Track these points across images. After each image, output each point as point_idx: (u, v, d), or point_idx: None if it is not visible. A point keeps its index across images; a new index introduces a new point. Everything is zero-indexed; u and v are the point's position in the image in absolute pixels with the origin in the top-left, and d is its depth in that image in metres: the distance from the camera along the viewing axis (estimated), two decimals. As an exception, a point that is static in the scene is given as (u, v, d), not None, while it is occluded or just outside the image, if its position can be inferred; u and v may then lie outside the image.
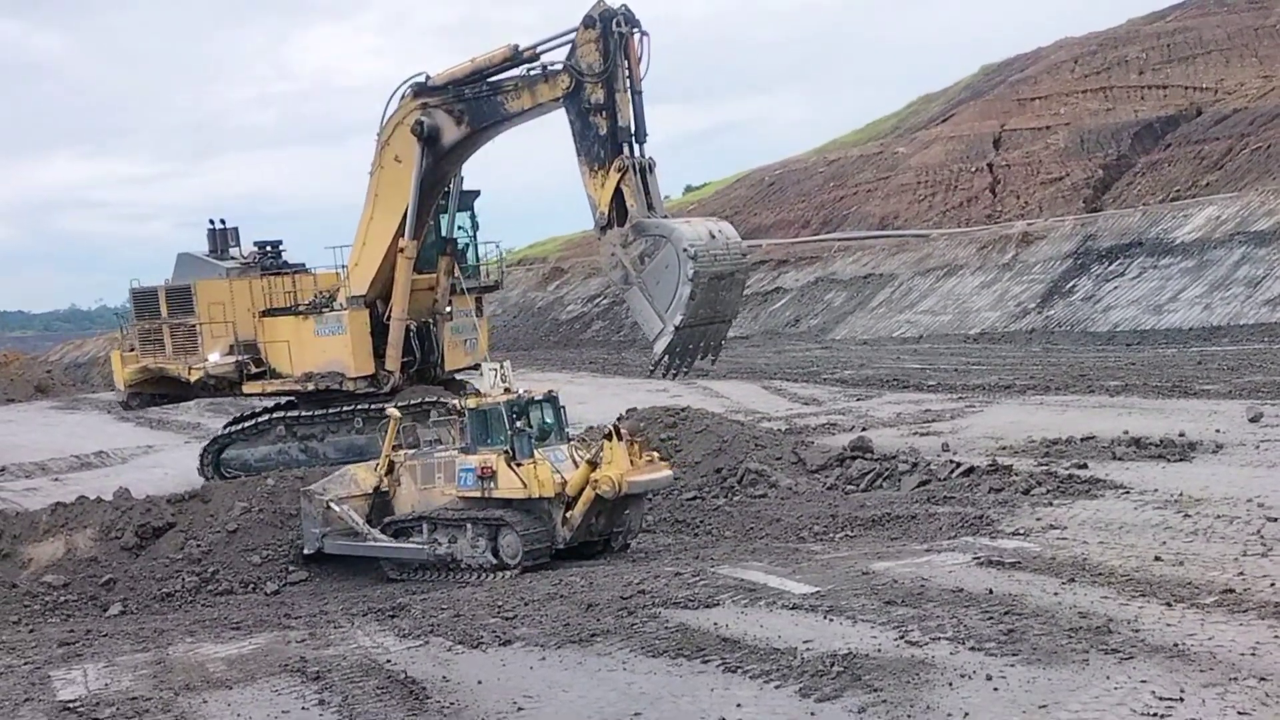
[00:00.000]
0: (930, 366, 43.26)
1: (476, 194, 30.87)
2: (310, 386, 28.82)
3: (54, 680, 14.30)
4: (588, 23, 23.06)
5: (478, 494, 20.19)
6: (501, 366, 21.26)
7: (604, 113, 22.86)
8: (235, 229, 31.92)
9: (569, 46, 23.64)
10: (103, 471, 34.67)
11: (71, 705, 13.00)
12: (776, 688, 11.40)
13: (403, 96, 26.46)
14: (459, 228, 30.64)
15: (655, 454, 20.57)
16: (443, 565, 20.40)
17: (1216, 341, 42.14)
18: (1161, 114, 71.82)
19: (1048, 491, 19.98)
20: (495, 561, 19.93)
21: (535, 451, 19.76)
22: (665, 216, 22.89)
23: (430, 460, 21.37)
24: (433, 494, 21.05)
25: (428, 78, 26.14)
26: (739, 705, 11.06)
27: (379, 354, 28.39)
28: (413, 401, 28.60)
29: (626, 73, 22.97)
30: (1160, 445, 22.92)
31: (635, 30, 23.08)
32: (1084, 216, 60.72)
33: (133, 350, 31.02)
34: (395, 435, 22.06)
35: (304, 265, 31.00)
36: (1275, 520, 16.46)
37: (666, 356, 22.11)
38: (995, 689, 10.76)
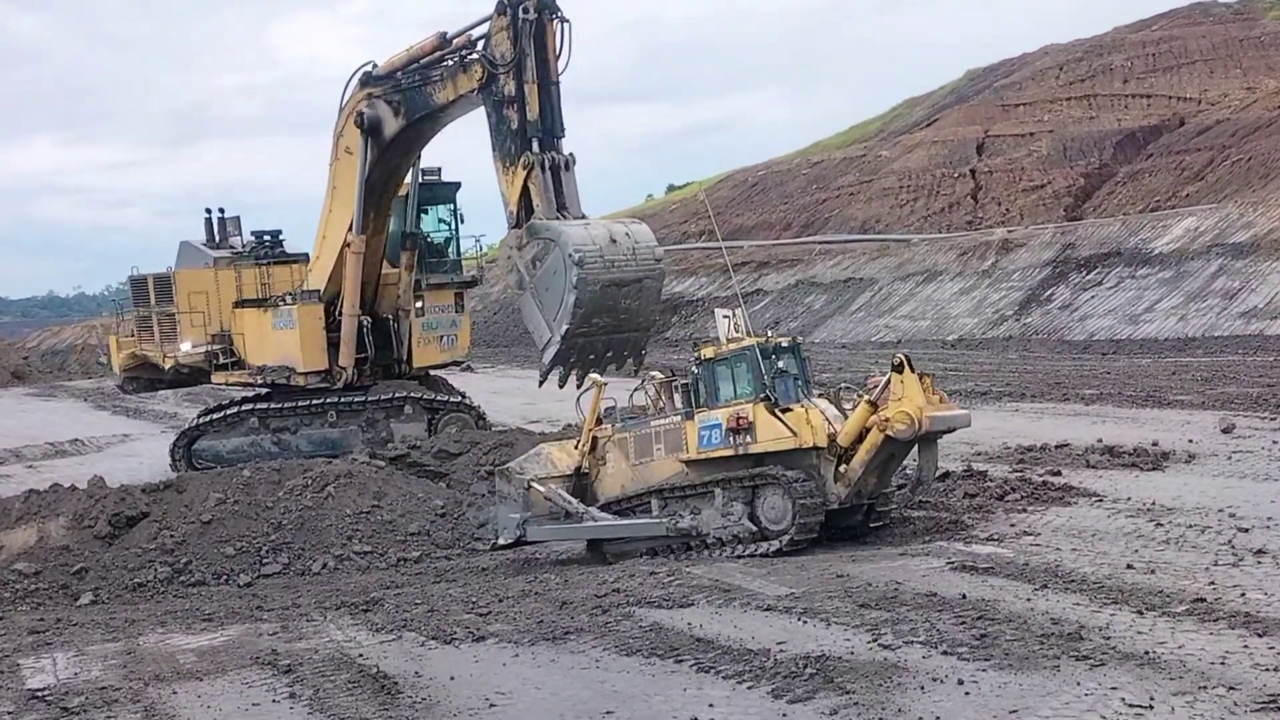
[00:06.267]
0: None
1: (457, 186, 30.28)
2: (259, 380, 28.71)
3: (23, 669, 14.20)
4: (499, 9, 21.88)
5: (728, 452, 17.65)
6: (735, 313, 19.02)
7: (515, 105, 21.76)
8: (236, 218, 31.99)
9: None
10: (78, 459, 34.55)
11: (40, 694, 12.92)
12: (749, 688, 11.42)
13: (355, 87, 25.87)
14: (440, 221, 30.47)
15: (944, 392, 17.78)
16: (684, 542, 18.15)
17: (1191, 352, 42.36)
18: (1144, 123, 72.23)
19: (1021, 498, 20.05)
20: (754, 531, 17.56)
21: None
22: (582, 216, 21.68)
23: (646, 430, 18.92)
24: (652, 468, 18.71)
25: (374, 66, 25.29)
26: (711, 705, 11.06)
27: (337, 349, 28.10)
28: (383, 397, 28.57)
29: (539, 63, 21.74)
30: (1133, 454, 23.03)
31: (554, 17, 21.80)
32: (1064, 225, 60.98)
33: (131, 336, 31.35)
34: (596, 410, 19.48)
35: (307, 255, 30.69)
36: (1246, 531, 16.57)
37: (559, 368, 21.12)
38: (967, 693, 10.80)
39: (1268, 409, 27.61)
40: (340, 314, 27.75)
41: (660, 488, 18.53)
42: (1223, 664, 11.14)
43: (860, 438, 17.15)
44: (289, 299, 28.15)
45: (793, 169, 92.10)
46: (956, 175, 74.27)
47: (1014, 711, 10.32)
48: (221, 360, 29.07)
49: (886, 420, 16.71)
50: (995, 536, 17.56)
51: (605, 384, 19.85)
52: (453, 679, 12.47)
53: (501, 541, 20.00)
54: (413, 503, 22.57)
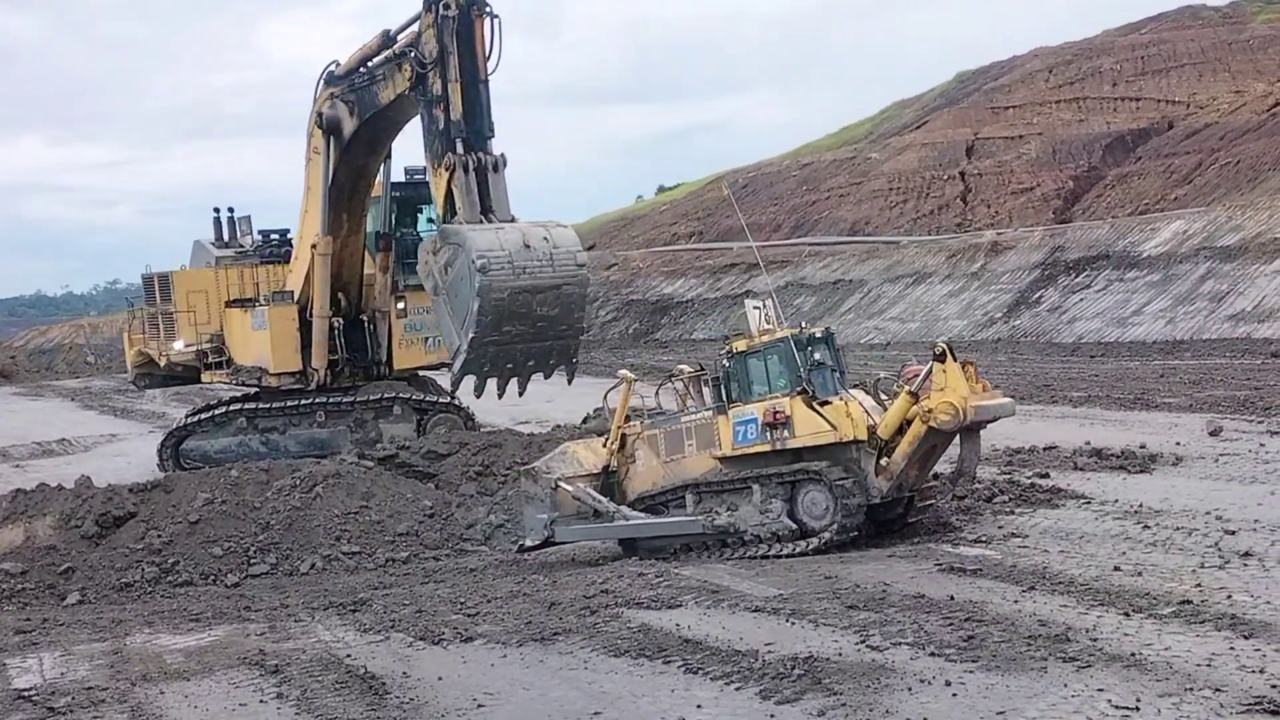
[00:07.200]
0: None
1: None
2: (235, 380, 28.70)
3: (9, 669, 14.17)
4: (426, 5, 21.33)
5: (765, 447, 17.23)
6: (764, 305, 18.50)
7: (442, 105, 21.21)
8: (247, 217, 32.09)
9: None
10: (65, 459, 34.44)
11: (27, 694, 12.89)
12: (737, 689, 11.43)
13: (322, 86, 25.61)
14: (430, 221, 30.40)
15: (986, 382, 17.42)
16: (720, 539, 17.76)
17: (1179, 355, 42.46)
18: (1133, 126, 72.38)
19: (1009, 500, 20.09)
20: (794, 528, 17.21)
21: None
22: (510, 220, 21.08)
23: (676, 427, 18.52)
24: (684, 465, 18.30)
25: (337, 65, 24.86)
26: (699, 706, 11.07)
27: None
28: (372, 397, 28.52)
29: (466, 61, 21.15)
30: (1121, 457, 23.09)
31: (482, 13, 21.21)
32: (1053, 227, 61.09)
33: (141, 334, 31.62)
34: (626, 406, 18.99)
35: None
36: (1233, 533, 16.61)
37: (473, 377, 20.63)
38: (954, 694, 10.82)
39: (1255, 412, 27.70)
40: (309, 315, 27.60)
41: (693, 484, 18.20)
42: (1209, 666, 11.18)
43: (901, 430, 16.83)
44: (263, 300, 28.09)
45: (782, 170, 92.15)
46: (946, 177, 74.37)
47: (1001, 713, 10.34)
48: (211, 359, 29.07)
49: (929, 411, 16.36)
50: (983, 538, 17.59)
51: (634, 380, 19.45)
52: (440, 679, 12.46)
53: (529, 543, 19.58)
54: (401, 503, 22.54)
